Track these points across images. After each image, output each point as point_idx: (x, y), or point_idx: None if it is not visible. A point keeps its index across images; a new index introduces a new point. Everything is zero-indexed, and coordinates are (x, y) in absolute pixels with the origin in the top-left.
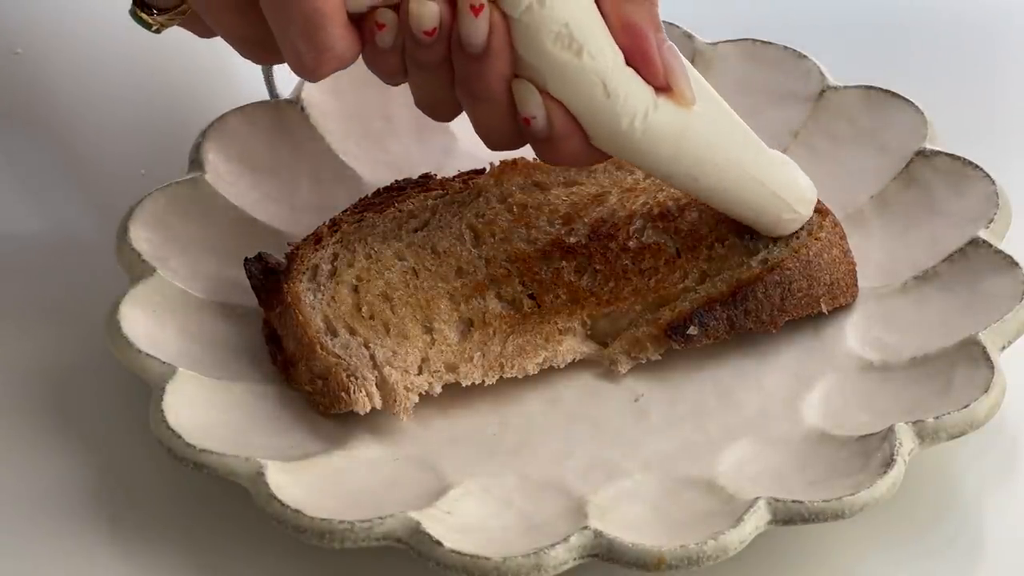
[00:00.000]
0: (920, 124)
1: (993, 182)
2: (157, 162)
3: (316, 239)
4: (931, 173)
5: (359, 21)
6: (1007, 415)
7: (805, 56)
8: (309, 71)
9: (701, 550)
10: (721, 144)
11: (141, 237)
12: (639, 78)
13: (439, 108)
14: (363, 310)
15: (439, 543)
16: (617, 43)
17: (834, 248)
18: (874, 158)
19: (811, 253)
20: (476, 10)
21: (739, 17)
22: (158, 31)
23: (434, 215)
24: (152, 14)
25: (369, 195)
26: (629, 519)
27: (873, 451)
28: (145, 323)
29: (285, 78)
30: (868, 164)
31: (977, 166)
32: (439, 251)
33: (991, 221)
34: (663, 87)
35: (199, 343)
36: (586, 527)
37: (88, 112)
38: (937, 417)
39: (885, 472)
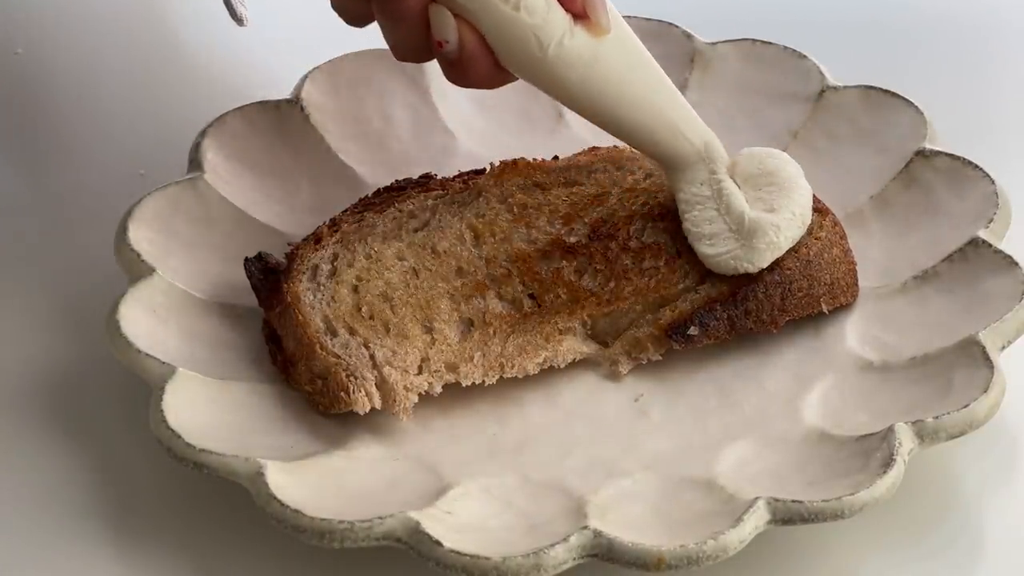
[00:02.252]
0: (920, 124)
1: (993, 182)
2: (157, 162)
3: (316, 239)
4: (931, 173)
5: None
6: (1007, 415)
7: (805, 56)
8: None
9: (701, 550)
10: (630, 78)
11: (141, 237)
12: (556, 3)
13: (353, 15)
14: (363, 310)
15: (439, 543)
16: None
17: (834, 248)
18: (874, 158)
19: (811, 253)
20: None
21: (739, 17)
22: None
23: (434, 215)
24: None
25: (369, 195)
26: (629, 519)
27: (873, 451)
28: (145, 323)
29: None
30: (868, 164)
31: (977, 166)
32: (439, 251)
33: (991, 221)
34: (580, 13)
35: (199, 343)
36: (586, 527)
37: (88, 112)
38: (937, 417)
39: (885, 472)
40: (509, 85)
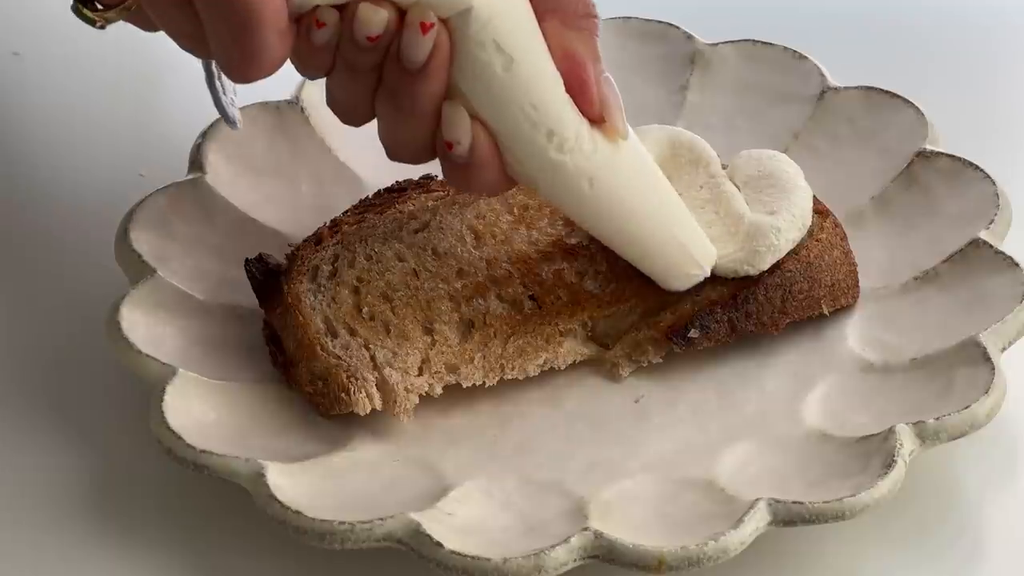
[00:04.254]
0: (920, 125)
1: (993, 182)
2: (157, 163)
3: (316, 240)
4: (931, 174)
5: (298, 18)
6: (1007, 416)
7: (805, 57)
8: (237, 74)
9: (701, 551)
10: (643, 189)
11: (141, 238)
12: (573, 107)
13: (353, 112)
14: (363, 311)
15: (439, 544)
16: (558, 69)
17: (835, 249)
18: (874, 159)
19: (812, 255)
20: (425, 27)
21: (739, 17)
22: (102, 27)
23: (435, 216)
24: (96, 9)
25: (369, 196)
26: (630, 520)
27: (874, 452)
28: (145, 323)
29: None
30: (868, 165)
31: (977, 166)
32: (440, 252)
33: (991, 222)
34: (597, 119)
35: (199, 343)
36: (586, 528)
37: (88, 113)
38: (938, 418)
39: (886, 473)
40: None
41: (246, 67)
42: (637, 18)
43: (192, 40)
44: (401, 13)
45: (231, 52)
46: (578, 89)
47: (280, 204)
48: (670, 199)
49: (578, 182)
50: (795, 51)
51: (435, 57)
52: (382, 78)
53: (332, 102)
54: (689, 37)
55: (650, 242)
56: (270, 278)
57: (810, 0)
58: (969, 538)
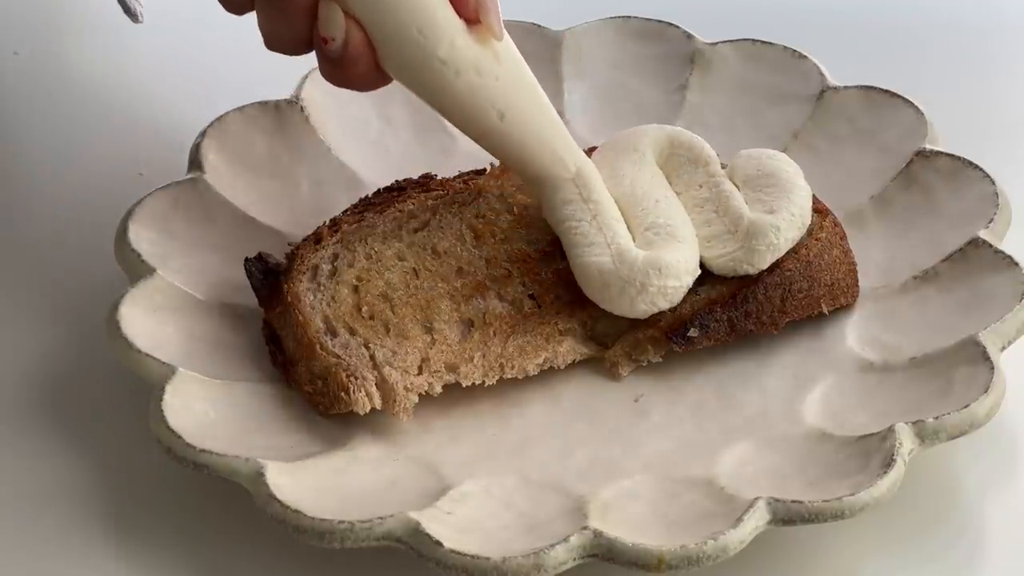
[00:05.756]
0: (920, 124)
1: (993, 182)
2: (157, 162)
3: (316, 239)
4: (931, 173)
5: None
6: (1007, 415)
7: (805, 56)
8: None
9: (701, 550)
10: (514, 91)
11: (141, 237)
12: (448, 6)
13: (234, 1)
14: (363, 310)
15: (439, 543)
16: None
17: (834, 249)
18: (874, 158)
19: (811, 254)
20: None
21: (739, 17)
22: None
23: (434, 215)
24: None
25: (369, 195)
26: (629, 519)
27: (873, 451)
28: (145, 323)
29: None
30: (868, 164)
31: (977, 166)
32: (439, 251)
33: (991, 221)
34: (472, 18)
35: (199, 343)
36: (586, 527)
37: (88, 112)
38: (937, 417)
39: (885, 472)
40: None
41: None
42: (637, 17)
43: None
44: None
45: None
46: None
47: (280, 204)
48: (541, 103)
49: (452, 81)
50: (795, 51)
51: None
52: None
53: None
54: (688, 36)
55: (522, 145)
56: (270, 277)
57: (810, 0)
58: (969, 538)
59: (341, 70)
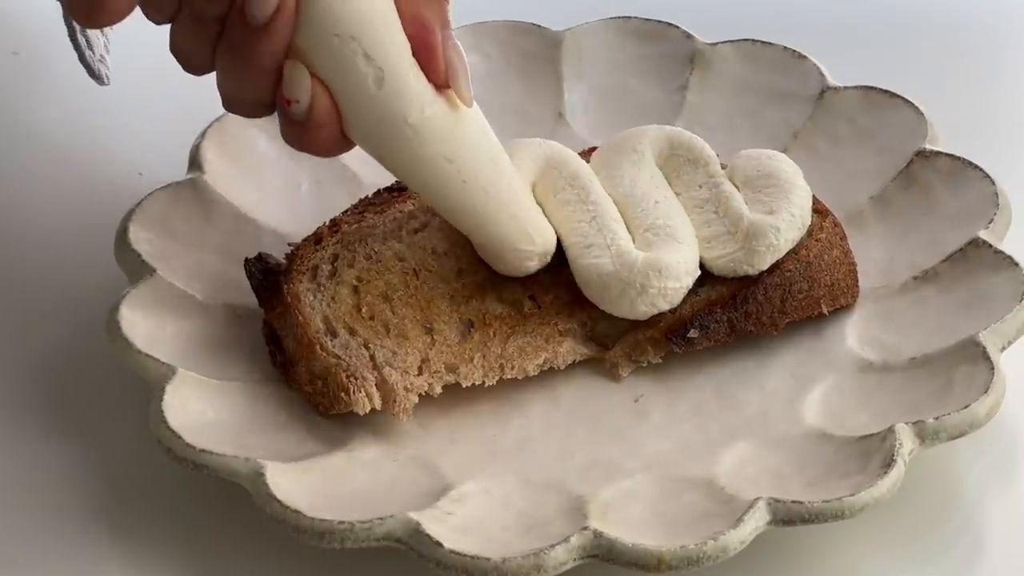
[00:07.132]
0: (920, 124)
1: (993, 182)
2: (157, 162)
3: (316, 239)
4: (931, 173)
5: None
6: (1007, 415)
7: (805, 56)
8: (84, 17)
9: (701, 550)
10: (478, 158)
11: (141, 237)
12: (418, 72)
13: (193, 61)
14: (363, 310)
15: (439, 544)
16: (405, 34)
17: (834, 249)
18: (874, 158)
19: (811, 254)
20: None
21: (739, 17)
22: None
23: (435, 216)
24: None
25: (369, 195)
26: (629, 519)
27: (873, 451)
28: (145, 323)
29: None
30: (868, 164)
31: (977, 166)
32: (439, 252)
33: (991, 221)
34: (442, 84)
35: (199, 343)
36: (586, 527)
37: (87, 112)
38: (937, 417)
39: (885, 472)
40: (509, 87)
41: (94, 11)
42: (637, 17)
43: None
44: None
45: None
46: (424, 54)
47: (280, 204)
48: (508, 172)
49: (419, 149)
50: (794, 51)
51: (280, 15)
52: (223, 31)
53: (174, 48)
54: (688, 36)
55: (485, 214)
56: (270, 277)
57: (810, 0)
58: (969, 538)
59: (305, 134)
